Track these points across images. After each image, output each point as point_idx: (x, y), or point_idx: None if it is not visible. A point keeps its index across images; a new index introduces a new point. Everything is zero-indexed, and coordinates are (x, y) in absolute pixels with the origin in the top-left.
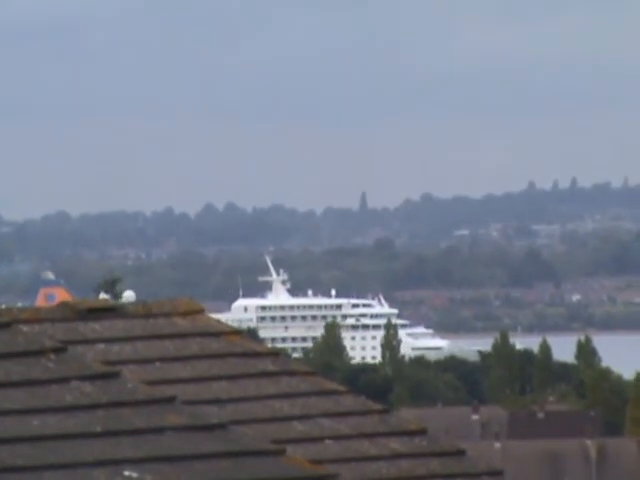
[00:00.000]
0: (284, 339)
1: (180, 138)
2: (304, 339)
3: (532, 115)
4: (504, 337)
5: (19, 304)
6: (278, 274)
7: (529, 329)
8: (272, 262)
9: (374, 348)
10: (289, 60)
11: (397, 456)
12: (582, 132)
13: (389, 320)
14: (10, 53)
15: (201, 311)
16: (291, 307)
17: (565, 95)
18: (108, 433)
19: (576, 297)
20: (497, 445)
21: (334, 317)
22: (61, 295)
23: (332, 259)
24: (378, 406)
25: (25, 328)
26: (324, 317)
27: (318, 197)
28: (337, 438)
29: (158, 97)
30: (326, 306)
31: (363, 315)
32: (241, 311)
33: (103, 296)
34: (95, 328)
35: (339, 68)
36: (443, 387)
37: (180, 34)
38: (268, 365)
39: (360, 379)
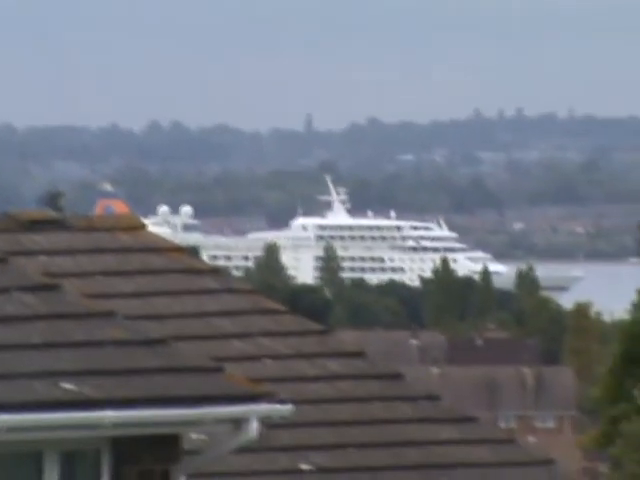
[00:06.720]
0: (342, 258)
1: (129, 54)
2: (362, 259)
3: (480, 42)
4: (445, 263)
5: None
6: (338, 194)
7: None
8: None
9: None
10: None
11: (335, 377)
12: (530, 61)
13: (328, 242)
14: None
15: (143, 227)
16: (350, 227)
17: (512, 20)
18: (47, 345)
19: (519, 225)
20: (435, 370)
21: (394, 238)
22: (119, 207)
23: (275, 180)
24: (317, 327)
25: None
26: (383, 238)
27: (263, 118)
28: (276, 357)
29: (132, 14)
30: (386, 227)
31: (422, 237)
32: (300, 230)
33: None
34: (37, 240)
35: None
36: (383, 311)
37: None
38: (209, 282)
39: (300, 300)
